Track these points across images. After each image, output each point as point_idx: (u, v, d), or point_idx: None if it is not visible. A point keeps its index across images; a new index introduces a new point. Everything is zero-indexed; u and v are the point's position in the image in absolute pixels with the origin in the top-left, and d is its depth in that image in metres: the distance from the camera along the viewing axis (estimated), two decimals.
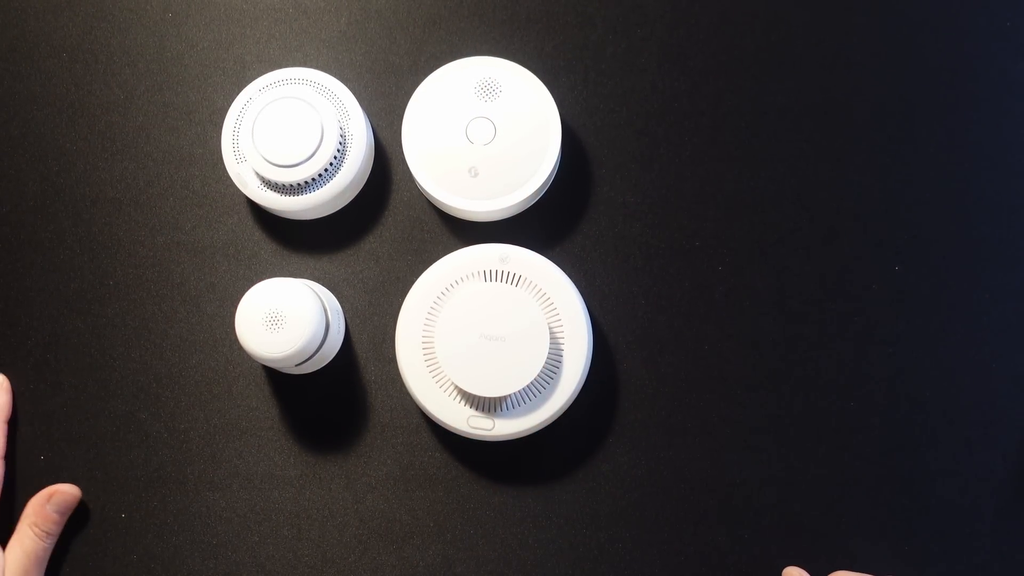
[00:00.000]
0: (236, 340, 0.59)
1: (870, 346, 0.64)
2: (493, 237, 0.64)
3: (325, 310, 0.61)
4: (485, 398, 0.60)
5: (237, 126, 0.63)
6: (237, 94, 0.64)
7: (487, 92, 0.63)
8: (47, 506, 0.62)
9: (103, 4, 0.68)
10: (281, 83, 0.64)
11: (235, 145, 0.63)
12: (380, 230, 0.66)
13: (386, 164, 0.67)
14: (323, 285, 0.65)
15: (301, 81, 0.64)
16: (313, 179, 0.62)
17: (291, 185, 0.62)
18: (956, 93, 0.66)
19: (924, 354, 0.64)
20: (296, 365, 0.60)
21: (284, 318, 0.58)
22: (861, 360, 0.64)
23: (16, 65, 0.68)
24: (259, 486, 0.64)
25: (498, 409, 0.60)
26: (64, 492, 0.63)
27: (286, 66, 0.65)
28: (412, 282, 0.63)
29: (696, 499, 0.63)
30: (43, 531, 0.61)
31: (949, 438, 0.64)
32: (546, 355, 0.59)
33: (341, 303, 0.65)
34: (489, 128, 0.62)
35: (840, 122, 0.66)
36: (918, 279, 0.65)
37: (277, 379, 0.65)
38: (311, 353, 0.60)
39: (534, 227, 0.66)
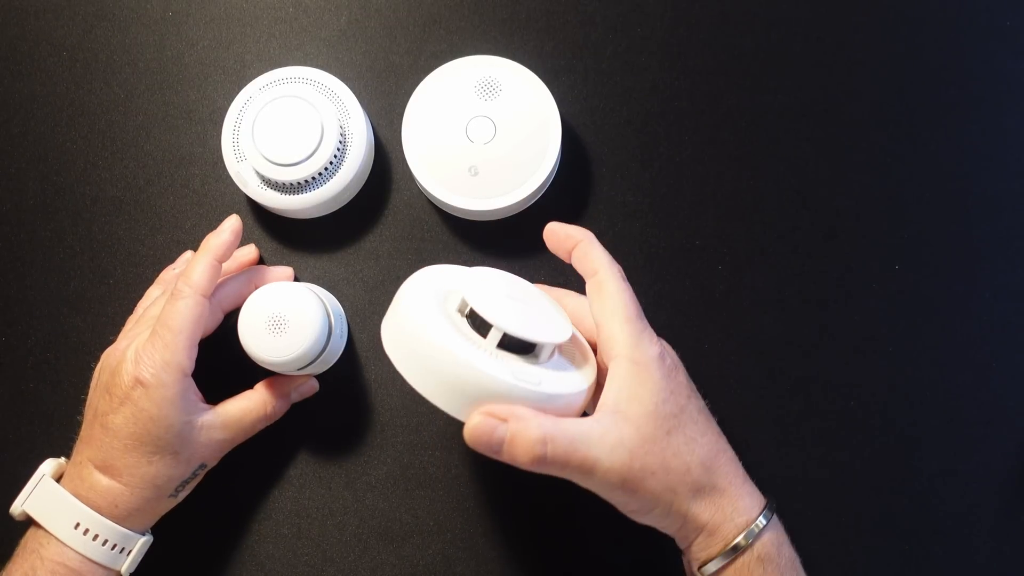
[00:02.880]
0: (236, 340, 0.59)
1: (870, 346, 0.64)
2: (493, 236, 0.64)
3: (328, 315, 0.61)
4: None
5: (237, 125, 0.63)
6: (237, 93, 0.64)
7: (487, 91, 0.63)
8: (291, 392, 0.62)
9: (103, 4, 0.68)
10: (281, 82, 0.64)
11: (235, 144, 0.63)
12: (380, 229, 0.66)
13: (386, 163, 0.67)
14: (323, 284, 0.65)
15: (301, 80, 0.64)
16: (313, 178, 0.62)
17: (291, 184, 0.62)
18: (956, 93, 0.66)
19: (924, 354, 0.64)
20: (298, 370, 0.60)
21: (287, 322, 0.58)
22: (861, 360, 0.64)
23: (16, 65, 0.68)
24: (259, 485, 0.64)
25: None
26: (311, 387, 0.63)
27: (286, 65, 0.65)
28: None
29: None
30: (275, 413, 0.62)
31: (949, 438, 0.64)
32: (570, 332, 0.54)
33: (341, 302, 0.65)
34: (489, 127, 0.63)
35: (840, 122, 0.66)
36: (918, 279, 0.65)
37: None
38: (313, 358, 0.59)
39: (534, 226, 0.65)
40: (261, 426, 0.61)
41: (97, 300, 0.66)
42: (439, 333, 0.48)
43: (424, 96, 0.64)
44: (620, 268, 0.54)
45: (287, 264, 0.66)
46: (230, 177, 0.64)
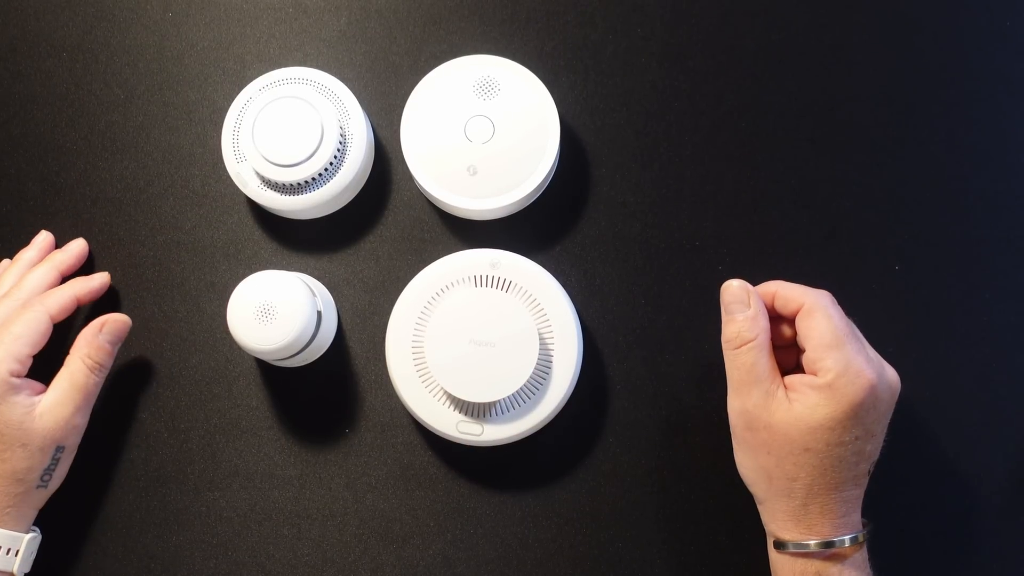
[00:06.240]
0: (226, 330, 0.59)
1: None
2: (492, 236, 0.64)
3: (317, 302, 0.61)
4: (474, 403, 0.60)
5: (237, 125, 0.63)
6: (237, 93, 0.64)
7: (485, 90, 0.63)
8: (99, 336, 0.60)
9: (103, 4, 0.68)
10: (281, 82, 0.64)
11: (235, 144, 0.63)
12: (380, 230, 0.66)
13: (386, 163, 0.67)
14: (323, 284, 0.65)
15: (301, 80, 0.64)
16: (313, 179, 0.62)
17: (291, 184, 0.62)
18: (956, 93, 0.66)
19: (924, 354, 0.64)
20: (289, 357, 0.60)
21: (275, 310, 0.58)
22: None
23: (16, 64, 0.68)
24: (259, 485, 0.64)
25: (488, 414, 0.60)
26: (116, 320, 0.61)
27: (286, 65, 0.65)
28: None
29: (696, 498, 0.63)
30: (95, 362, 0.60)
31: (949, 438, 0.64)
32: (535, 361, 0.59)
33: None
34: (488, 126, 0.62)
35: (840, 122, 0.66)
36: (918, 279, 0.65)
37: (277, 378, 0.65)
38: (303, 345, 0.60)
39: (533, 226, 0.66)
40: (95, 380, 0.60)
41: (97, 300, 0.66)
42: (406, 390, 0.61)
43: (422, 96, 0.64)
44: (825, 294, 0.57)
45: (287, 263, 0.66)
46: (230, 177, 0.64)
